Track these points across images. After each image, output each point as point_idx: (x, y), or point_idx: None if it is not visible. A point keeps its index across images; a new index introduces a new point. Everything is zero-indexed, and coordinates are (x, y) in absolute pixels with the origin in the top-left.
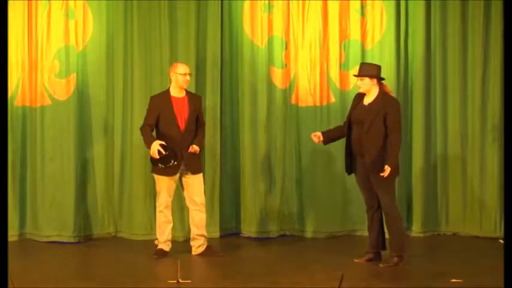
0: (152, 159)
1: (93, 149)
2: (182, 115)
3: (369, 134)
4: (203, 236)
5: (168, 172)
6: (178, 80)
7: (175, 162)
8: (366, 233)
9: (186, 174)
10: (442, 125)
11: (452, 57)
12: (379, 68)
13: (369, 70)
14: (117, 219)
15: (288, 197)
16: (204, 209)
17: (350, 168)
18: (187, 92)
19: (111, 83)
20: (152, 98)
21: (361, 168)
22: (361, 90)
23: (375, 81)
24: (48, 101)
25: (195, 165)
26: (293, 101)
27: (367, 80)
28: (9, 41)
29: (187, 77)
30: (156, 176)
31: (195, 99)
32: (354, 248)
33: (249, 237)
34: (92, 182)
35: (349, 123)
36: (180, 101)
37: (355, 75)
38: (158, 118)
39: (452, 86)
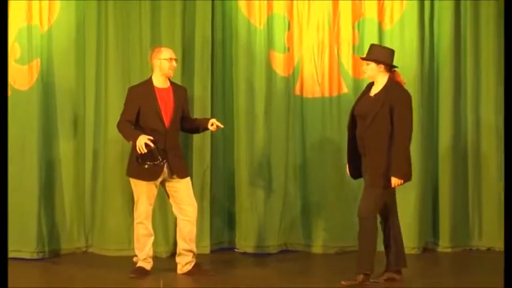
0: (137, 157)
1: (60, 148)
2: (167, 109)
3: (370, 130)
4: (191, 251)
5: (148, 175)
6: (163, 67)
7: (164, 161)
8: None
9: (171, 178)
10: (474, 118)
11: (485, 38)
12: (390, 52)
13: (377, 54)
14: (89, 232)
15: (291, 206)
16: (194, 219)
17: (356, 171)
18: (171, 82)
19: (81, 70)
20: (131, 89)
21: (365, 170)
22: (366, 76)
23: (382, 67)
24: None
25: (182, 167)
26: (297, 91)
27: (373, 65)
28: None
29: (174, 63)
30: (133, 181)
31: (180, 91)
32: None
33: (244, 253)
34: (59, 188)
35: (353, 118)
36: (164, 93)
37: (361, 58)
38: (139, 113)
39: (486, 71)
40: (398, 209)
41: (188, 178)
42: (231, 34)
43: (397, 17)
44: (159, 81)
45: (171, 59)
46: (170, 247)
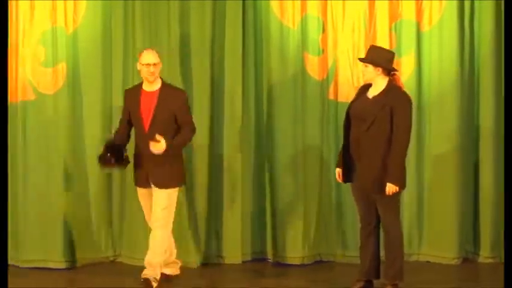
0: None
1: (87, 154)
2: (148, 114)
3: (369, 134)
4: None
5: (137, 181)
6: (142, 72)
7: (112, 160)
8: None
9: (152, 186)
10: None
11: None
12: (389, 55)
13: (375, 56)
14: (117, 240)
15: (325, 214)
16: (158, 229)
17: (347, 176)
18: (164, 85)
19: (108, 72)
20: (125, 92)
21: (359, 175)
22: (364, 79)
23: (379, 70)
24: (31, 95)
25: (160, 176)
26: (331, 96)
27: (370, 67)
28: None
29: (151, 69)
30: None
31: (171, 95)
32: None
33: (277, 263)
34: (85, 195)
35: (348, 119)
36: (149, 96)
37: (359, 59)
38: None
39: None
40: (436, 216)
41: (167, 191)
42: (263, 36)
43: (436, 18)
44: (146, 84)
45: (148, 64)
46: (201, 256)
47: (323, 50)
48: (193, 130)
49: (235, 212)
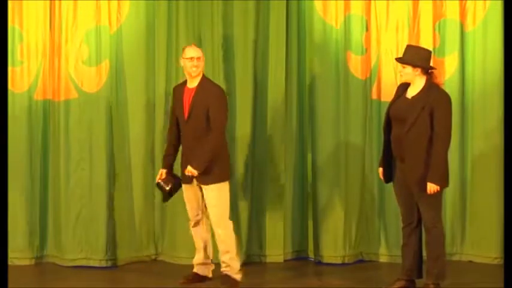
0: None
1: (130, 153)
2: (185, 110)
3: (410, 134)
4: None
5: (184, 179)
6: (186, 67)
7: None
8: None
9: (196, 182)
10: None
11: None
12: (427, 54)
13: (413, 56)
14: (158, 239)
15: (367, 214)
16: (216, 228)
17: (388, 176)
18: (205, 81)
19: (151, 71)
20: (173, 89)
21: (401, 175)
22: (402, 80)
23: (418, 70)
24: (74, 94)
25: (202, 173)
26: (374, 96)
27: (409, 68)
28: (27, 21)
29: (195, 62)
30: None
31: (207, 89)
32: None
33: (319, 262)
34: (128, 193)
35: (388, 120)
36: (188, 93)
37: (396, 59)
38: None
39: None
40: (479, 215)
41: (212, 186)
42: (306, 34)
43: (480, 17)
44: (189, 81)
45: (192, 58)
46: (243, 254)
47: (366, 50)
48: (217, 137)
49: (277, 211)
